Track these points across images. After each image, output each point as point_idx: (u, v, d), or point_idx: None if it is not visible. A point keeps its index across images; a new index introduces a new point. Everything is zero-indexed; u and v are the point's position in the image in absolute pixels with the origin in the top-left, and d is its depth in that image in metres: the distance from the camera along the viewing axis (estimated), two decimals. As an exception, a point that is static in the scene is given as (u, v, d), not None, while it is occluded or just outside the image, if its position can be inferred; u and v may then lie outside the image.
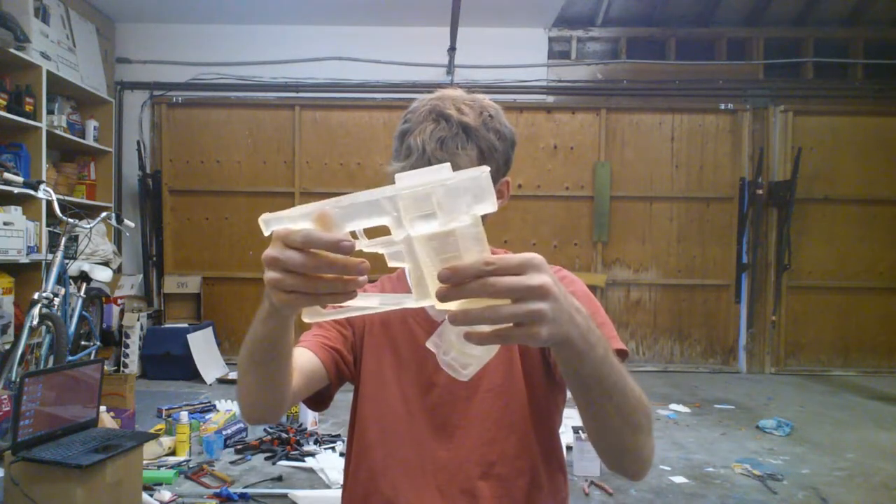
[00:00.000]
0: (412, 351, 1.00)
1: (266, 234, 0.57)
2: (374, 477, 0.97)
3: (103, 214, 3.84)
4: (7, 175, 3.48)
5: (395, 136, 0.94)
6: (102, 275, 4.08)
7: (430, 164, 0.86)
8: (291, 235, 0.54)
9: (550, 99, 5.57)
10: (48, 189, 3.49)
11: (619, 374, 0.70)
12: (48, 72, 4.29)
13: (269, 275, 0.56)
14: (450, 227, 0.54)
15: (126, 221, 4.21)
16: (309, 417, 3.44)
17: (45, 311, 3.17)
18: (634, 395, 0.74)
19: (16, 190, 3.78)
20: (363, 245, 0.58)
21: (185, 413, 3.16)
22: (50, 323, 3.17)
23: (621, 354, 0.89)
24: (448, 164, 0.54)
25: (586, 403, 0.73)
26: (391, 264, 0.58)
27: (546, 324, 0.55)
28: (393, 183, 0.54)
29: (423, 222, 0.54)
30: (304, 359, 0.93)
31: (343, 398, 1.02)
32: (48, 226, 4.24)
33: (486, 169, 0.52)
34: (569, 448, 2.97)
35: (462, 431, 0.95)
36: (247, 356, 0.79)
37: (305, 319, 0.62)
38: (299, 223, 0.56)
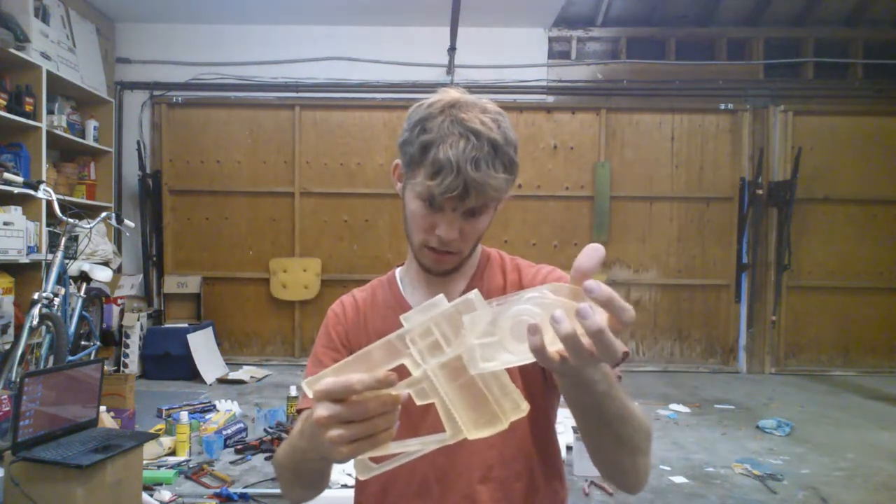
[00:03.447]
0: None
1: (310, 393, 0.60)
2: (383, 489, 0.98)
3: (103, 214, 3.84)
4: (7, 175, 3.48)
5: (412, 142, 0.89)
6: (102, 275, 4.08)
7: (465, 184, 0.84)
8: (334, 389, 0.58)
9: (550, 99, 5.57)
10: (48, 189, 3.49)
11: (620, 404, 0.72)
12: (48, 72, 4.29)
13: (331, 433, 0.59)
14: (457, 352, 0.57)
15: (126, 221, 4.21)
16: (309, 417, 3.43)
17: (45, 311, 3.17)
18: (634, 420, 0.76)
19: (16, 190, 3.78)
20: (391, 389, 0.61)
21: (185, 413, 3.16)
22: (50, 323, 3.17)
23: (622, 356, 0.90)
24: (442, 294, 0.58)
25: (585, 428, 0.77)
26: (419, 402, 0.61)
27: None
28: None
29: (434, 354, 0.58)
30: None
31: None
32: (48, 226, 4.24)
33: (475, 291, 0.57)
34: (569, 448, 2.96)
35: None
36: (294, 478, 0.89)
37: (361, 477, 0.65)
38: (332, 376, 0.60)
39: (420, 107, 0.91)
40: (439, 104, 0.89)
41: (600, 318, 0.54)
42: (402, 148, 0.92)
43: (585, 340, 0.55)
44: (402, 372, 0.60)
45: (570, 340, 0.55)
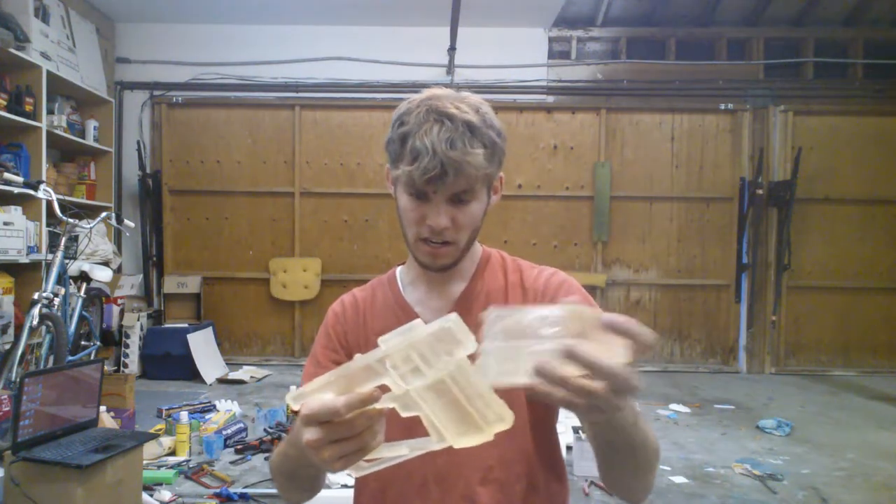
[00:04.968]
0: None
1: (295, 408, 0.63)
2: (382, 490, 0.98)
3: (103, 214, 3.84)
4: (7, 175, 3.48)
5: (393, 138, 0.91)
6: (102, 275, 4.08)
7: (442, 164, 0.85)
8: (320, 413, 0.60)
9: (550, 99, 5.56)
10: (48, 189, 3.49)
11: (642, 431, 0.74)
12: (48, 72, 4.29)
13: (322, 454, 0.62)
14: (438, 376, 0.58)
15: (126, 221, 4.21)
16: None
17: (45, 311, 3.17)
18: (651, 442, 0.78)
19: (16, 190, 3.77)
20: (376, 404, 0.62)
21: (185, 413, 3.16)
22: (50, 323, 3.17)
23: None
24: (419, 319, 0.59)
25: (611, 461, 0.79)
26: (404, 415, 0.62)
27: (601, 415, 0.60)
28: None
29: (415, 376, 0.59)
30: None
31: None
32: (48, 226, 4.23)
33: (453, 316, 0.56)
34: (569, 448, 2.97)
35: None
36: (289, 483, 0.92)
37: (354, 475, 0.68)
38: (318, 394, 0.63)
39: (400, 106, 0.93)
40: (417, 100, 0.91)
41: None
42: (387, 147, 0.94)
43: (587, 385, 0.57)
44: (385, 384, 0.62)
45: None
